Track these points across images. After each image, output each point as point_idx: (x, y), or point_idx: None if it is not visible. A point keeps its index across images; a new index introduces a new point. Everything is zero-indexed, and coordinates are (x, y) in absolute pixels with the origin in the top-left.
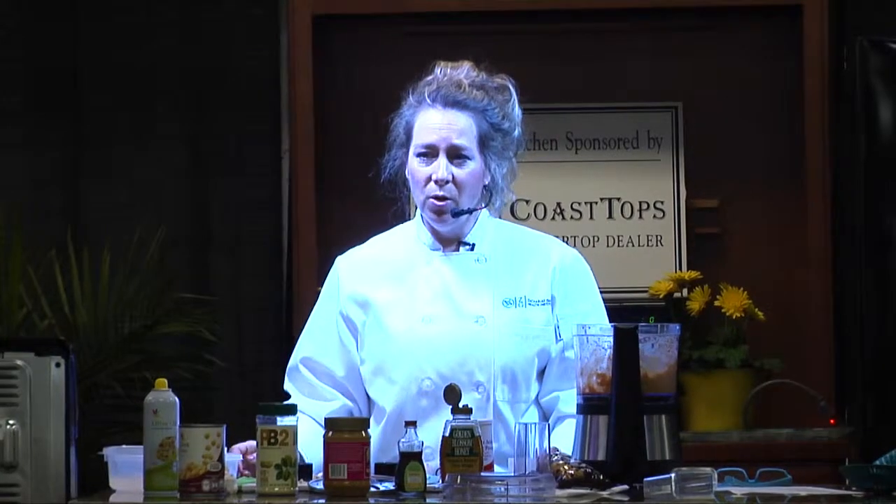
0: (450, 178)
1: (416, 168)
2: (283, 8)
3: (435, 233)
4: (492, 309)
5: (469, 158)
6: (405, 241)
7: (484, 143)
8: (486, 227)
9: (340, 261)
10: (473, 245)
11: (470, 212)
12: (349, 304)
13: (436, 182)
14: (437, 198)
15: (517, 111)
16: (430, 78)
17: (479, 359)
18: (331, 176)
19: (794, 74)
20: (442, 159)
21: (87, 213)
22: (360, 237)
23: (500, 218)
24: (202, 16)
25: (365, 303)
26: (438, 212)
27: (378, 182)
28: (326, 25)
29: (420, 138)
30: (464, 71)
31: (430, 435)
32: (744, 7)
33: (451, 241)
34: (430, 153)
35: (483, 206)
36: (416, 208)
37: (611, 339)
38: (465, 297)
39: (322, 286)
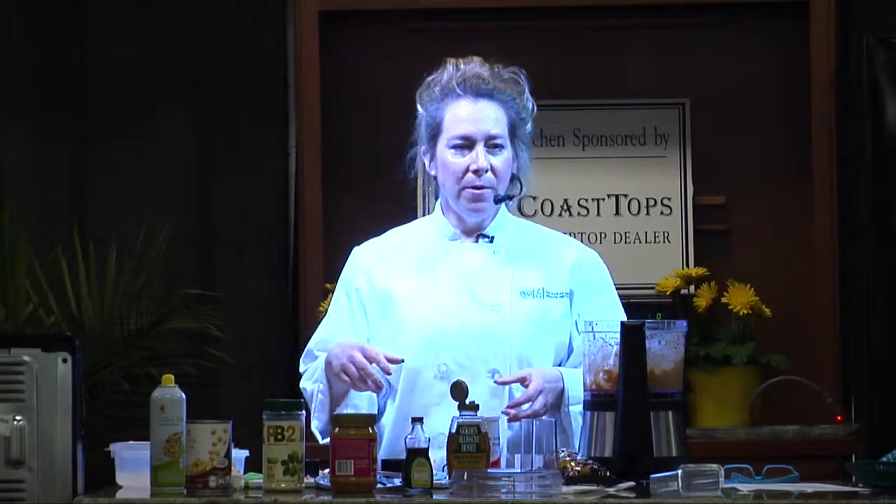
0: (489, 166)
1: (450, 160)
2: (290, 4)
3: (459, 224)
4: (509, 298)
5: (503, 147)
6: (425, 232)
7: (513, 131)
8: (505, 221)
9: (358, 251)
10: (493, 237)
11: (511, 198)
12: (365, 292)
13: (474, 172)
14: (475, 186)
15: (531, 103)
16: (440, 72)
17: (495, 346)
18: (337, 171)
19: (801, 71)
20: (480, 148)
21: (93, 210)
22: (367, 232)
23: (516, 208)
24: (208, 12)
25: (382, 291)
26: (477, 199)
27: (406, 182)
28: (332, 21)
29: (455, 130)
30: (476, 66)
31: (443, 420)
32: (751, 4)
33: (470, 234)
34: (466, 144)
35: (519, 193)
36: (436, 202)
37: (617, 336)
38: (482, 286)
39: (329, 282)
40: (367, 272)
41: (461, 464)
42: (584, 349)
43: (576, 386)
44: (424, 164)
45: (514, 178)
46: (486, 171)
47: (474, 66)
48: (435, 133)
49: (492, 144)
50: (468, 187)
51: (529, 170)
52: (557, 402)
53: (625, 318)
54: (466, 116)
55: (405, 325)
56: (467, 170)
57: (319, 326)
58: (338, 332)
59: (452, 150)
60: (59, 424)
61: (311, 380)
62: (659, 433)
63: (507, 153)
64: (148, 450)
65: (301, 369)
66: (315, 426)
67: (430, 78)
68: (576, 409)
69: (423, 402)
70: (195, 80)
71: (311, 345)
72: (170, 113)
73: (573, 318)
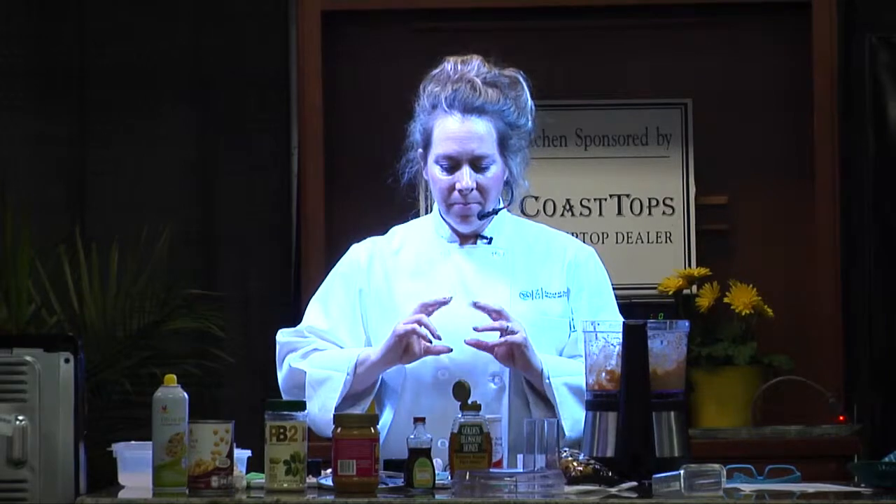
0: (474, 185)
1: (437, 176)
2: (292, 4)
3: (454, 228)
4: (509, 300)
5: (492, 163)
6: (424, 234)
7: (503, 144)
8: (503, 222)
9: (358, 248)
10: (491, 239)
11: (496, 212)
12: (367, 293)
13: (460, 191)
14: (462, 204)
15: (530, 104)
16: (438, 73)
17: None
18: (339, 172)
19: (803, 71)
20: (465, 169)
21: (94, 210)
22: (369, 233)
23: (518, 208)
24: (211, 12)
25: (383, 294)
26: (464, 214)
27: (398, 187)
28: (335, 21)
29: (441, 148)
30: (474, 67)
31: (444, 424)
32: (753, 3)
33: (469, 235)
34: (451, 164)
35: (507, 204)
36: (434, 203)
37: (620, 336)
38: (482, 289)
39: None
40: (367, 273)
41: (463, 464)
42: (586, 349)
43: (552, 362)
44: (422, 165)
45: (507, 184)
46: (471, 191)
47: (471, 67)
48: (426, 143)
49: (478, 163)
50: (455, 204)
51: (524, 175)
52: (525, 361)
53: (619, 317)
54: (452, 135)
55: None
56: (453, 187)
57: (313, 309)
58: (336, 327)
59: (439, 167)
60: (61, 424)
61: (321, 367)
62: (661, 433)
63: (495, 169)
64: (150, 450)
65: (282, 339)
66: (316, 408)
67: (433, 72)
68: (557, 381)
69: (423, 404)
70: (197, 79)
71: (303, 325)
72: (171, 113)
73: (569, 317)
